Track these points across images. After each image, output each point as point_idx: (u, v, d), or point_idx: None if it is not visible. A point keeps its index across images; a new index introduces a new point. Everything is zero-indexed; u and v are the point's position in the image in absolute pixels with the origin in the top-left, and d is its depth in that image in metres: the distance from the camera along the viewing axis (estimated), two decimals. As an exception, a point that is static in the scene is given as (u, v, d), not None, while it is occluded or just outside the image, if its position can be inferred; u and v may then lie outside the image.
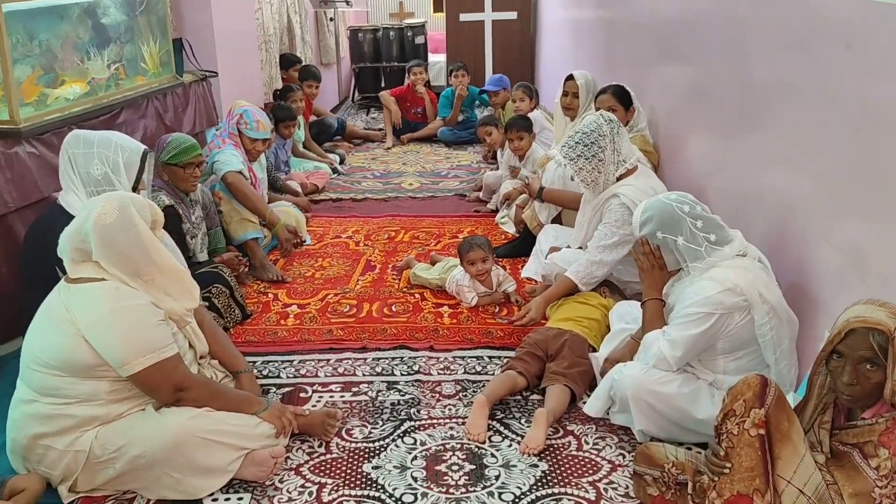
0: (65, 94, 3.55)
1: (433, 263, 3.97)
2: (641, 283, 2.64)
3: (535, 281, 3.82)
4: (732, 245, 2.47)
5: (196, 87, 4.78)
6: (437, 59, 9.85)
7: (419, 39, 9.24)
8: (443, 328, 3.34)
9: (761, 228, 2.80)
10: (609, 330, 3.06)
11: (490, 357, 3.10)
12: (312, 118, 7.22)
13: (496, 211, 4.97)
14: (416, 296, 3.68)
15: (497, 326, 3.34)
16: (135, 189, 2.83)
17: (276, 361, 3.08)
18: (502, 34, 8.45)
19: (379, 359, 3.09)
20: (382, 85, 9.32)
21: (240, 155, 4.03)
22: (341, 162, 6.46)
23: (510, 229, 4.60)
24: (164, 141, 3.45)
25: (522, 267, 4.01)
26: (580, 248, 3.49)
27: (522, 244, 4.22)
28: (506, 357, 3.07)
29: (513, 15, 8.36)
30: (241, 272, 3.80)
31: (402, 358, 3.09)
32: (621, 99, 3.82)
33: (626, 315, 3.00)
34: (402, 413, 2.70)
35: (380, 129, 7.59)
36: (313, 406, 2.76)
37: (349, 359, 3.10)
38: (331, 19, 8.62)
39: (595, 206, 3.34)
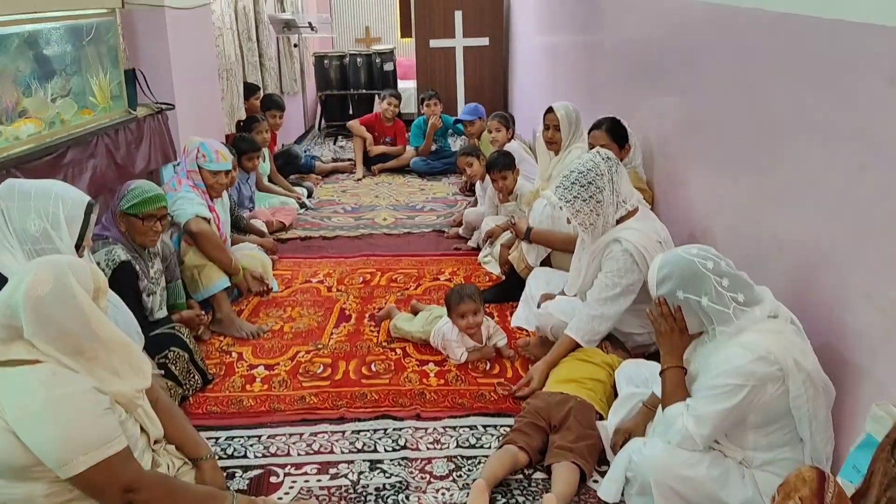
0: (16, 133, 3.18)
1: (415, 312, 3.64)
2: (660, 347, 2.34)
3: (527, 331, 3.51)
4: (763, 306, 2.19)
5: (151, 122, 4.41)
6: (407, 85, 9.56)
7: (388, 66, 8.94)
8: (429, 391, 3.00)
9: (781, 280, 2.50)
10: (615, 392, 2.77)
11: (485, 426, 2.76)
12: (278, 149, 6.89)
13: (478, 249, 4.66)
14: (398, 351, 3.34)
15: (490, 388, 3.01)
16: (78, 247, 2.46)
17: (242, 437, 2.71)
18: (474, 61, 8.19)
19: (359, 431, 2.74)
20: (350, 113, 9.01)
21: (199, 196, 3.67)
22: (309, 195, 6.11)
23: (494, 269, 4.29)
24: (126, 188, 3.09)
25: (511, 314, 3.70)
26: (576, 296, 3.21)
27: (509, 287, 3.91)
28: (502, 425, 2.75)
29: (484, 41, 8.11)
30: (202, 331, 3.44)
31: (386, 430, 2.74)
32: (615, 135, 3.54)
33: (635, 377, 2.69)
34: (390, 500, 2.35)
35: (349, 160, 7.27)
36: (286, 494, 2.40)
37: (325, 432, 2.74)
38: (294, 45, 8.29)
39: (593, 252, 3.04)
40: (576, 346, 2.97)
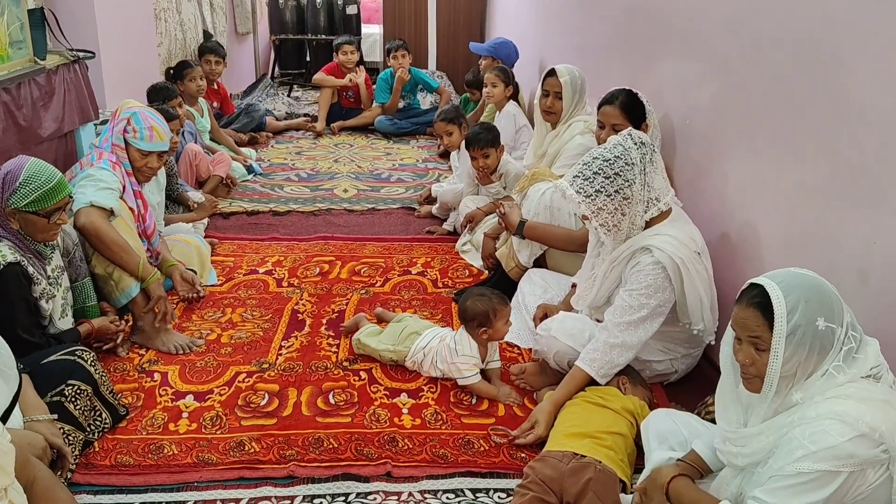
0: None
1: (380, 321, 3.01)
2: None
3: (518, 349, 2.91)
4: (865, 359, 1.63)
5: (65, 73, 3.63)
6: (372, 30, 8.75)
7: (351, 9, 8.10)
8: (402, 435, 2.38)
9: (861, 312, 1.89)
10: (636, 445, 2.20)
11: (474, 491, 2.16)
12: (241, 104, 6.11)
13: (455, 233, 4.02)
14: (362, 375, 2.70)
15: (478, 433, 2.40)
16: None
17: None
18: (449, 6, 7.39)
19: (313, 497, 2.12)
20: (308, 60, 8.19)
21: (116, 176, 2.93)
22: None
23: (475, 261, 3.66)
24: (14, 178, 2.36)
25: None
26: (587, 311, 2.62)
27: (496, 288, 3.24)
28: (496, 490, 2.16)
29: (461, -18, 7.34)
30: (117, 343, 2.77)
31: (348, 496, 2.12)
32: (631, 113, 2.88)
33: (668, 436, 2.09)
34: None
35: (305, 115, 6.51)
36: None
37: (269, 498, 2.11)
38: (246, -19, 7.43)
39: (614, 260, 2.44)
40: (590, 382, 2.38)
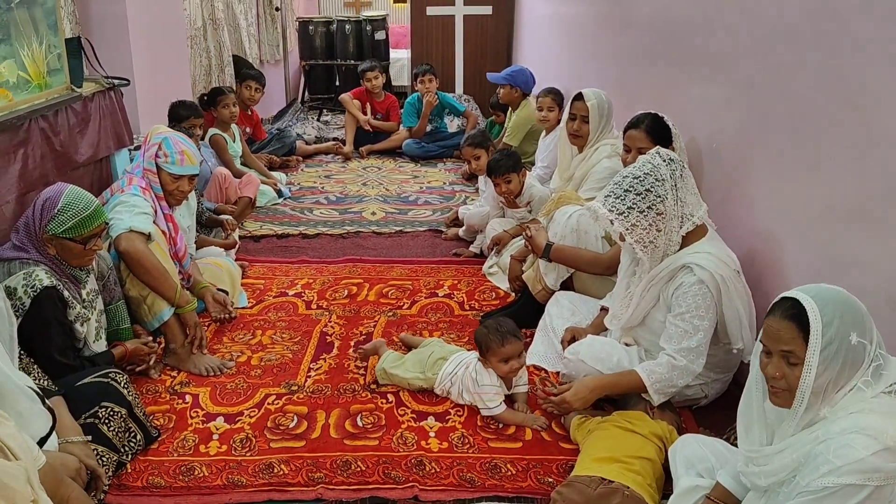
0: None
1: (407, 347, 3.02)
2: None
3: (546, 371, 2.91)
4: (889, 375, 1.62)
5: (100, 100, 3.72)
6: (400, 55, 8.84)
7: (380, 35, 8.19)
8: (429, 458, 2.39)
9: (891, 339, 1.88)
10: (664, 470, 2.18)
11: (501, 515, 2.17)
12: (273, 129, 6.22)
13: (482, 255, 4.03)
14: (390, 398, 2.72)
15: (506, 457, 2.40)
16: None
17: (191, 527, 2.11)
18: (476, 32, 7.45)
19: (341, 520, 2.14)
20: (337, 84, 8.29)
21: (148, 201, 2.99)
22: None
23: (502, 283, 3.67)
24: (52, 205, 2.43)
25: (524, 346, 3.07)
26: (625, 336, 2.62)
27: (523, 310, 3.28)
28: (523, 514, 2.16)
29: (487, 9, 7.37)
30: (150, 366, 2.81)
31: (376, 519, 2.14)
32: (657, 136, 2.89)
33: (696, 461, 2.09)
34: None
35: (334, 140, 6.59)
36: None
37: (298, 520, 2.14)
38: (276, 9, 7.55)
39: (653, 279, 2.43)
40: (641, 389, 2.38)
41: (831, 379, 1.58)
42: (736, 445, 2.12)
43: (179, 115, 4.33)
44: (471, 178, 5.45)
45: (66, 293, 2.46)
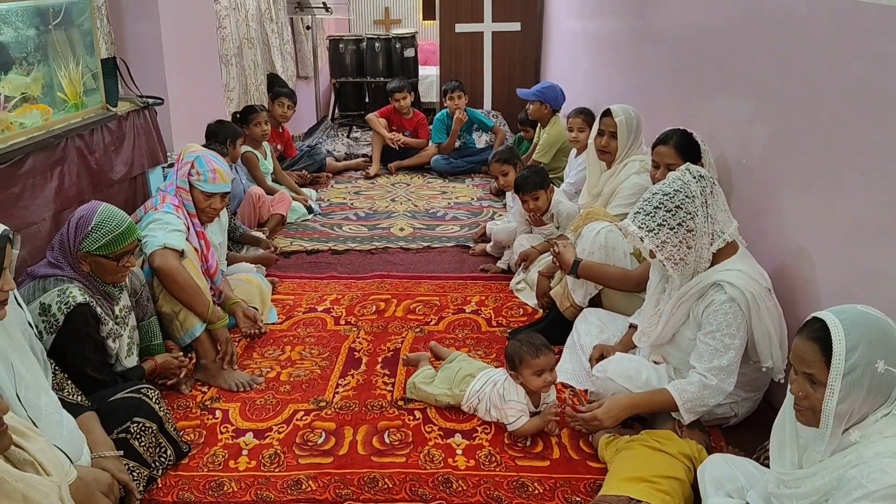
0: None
1: (434, 356, 3.03)
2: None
3: (573, 389, 2.89)
4: None
5: (135, 119, 3.80)
6: (428, 72, 8.90)
7: (409, 52, 8.24)
8: (457, 476, 2.38)
9: None
10: (693, 490, 2.16)
11: (528, 535, 2.16)
12: (303, 146, 6.29)
13: (509, 271, 4.03)
14: (417, 415, 2.73)
15: (533, 475, 2.39)
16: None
17: (219, 542, 2.12)
18: (504, 48, 7.46)
19: (368, 537, 2.14)
20: (367, 101, 8.36)
21: (181, 218, 3.04)
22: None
23: (529, 300, 3.66)
24: (86, 222, 2.48)
25: (552, 363, 3.07)
26: (654, 353, 2.61)
27: (551, 327, 3.26)
28: (550, 534, 2.14)
29: (516, 26, 7.38)
30: (180, 380, 2.85)
31: (402, 538, 2.14)
32: (686, 152, 2.88)
33: (725, 482, 2.06)
34: None
35: (363, 156, 6.64)
36: None
37: (325, 537, 2.14)
38: (307, 28, 7.64)
39: (683, 296, 2.42)
40: (672, 408, 2.36)
41: (855, 405, 1.56)
42: (766, 465, 2.10)
43: (226, 134, 4.39)
44: (499, 193, 5.45)
45: (98, 310, 2.50)
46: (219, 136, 4.32)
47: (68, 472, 1.68)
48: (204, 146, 3.51)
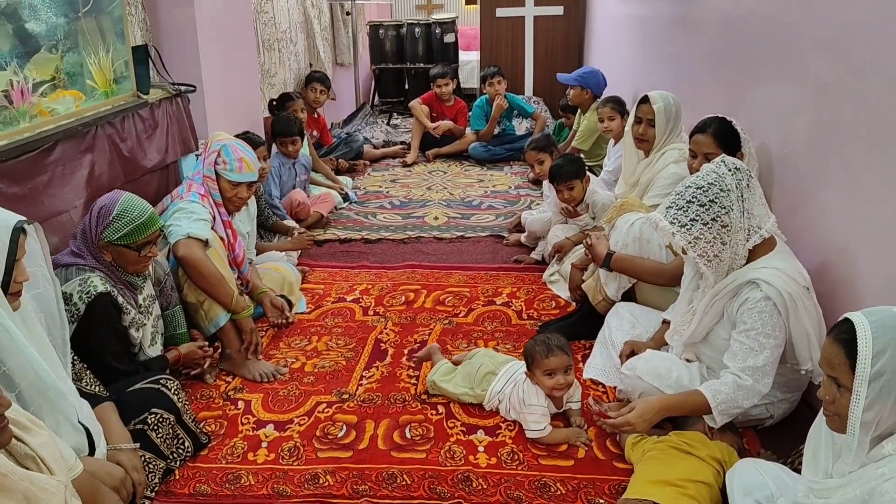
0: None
1: (456, 362, 2.95)
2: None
3: (603, 386, 2.80)
4: None
5: (167, 106, 3.79)
6: (469, 57, 8.79)
7: (449, 38, 8.14)
8: (477, 474, 2.32)
9: None
10: (722, 494, 2.06)
11: (548, 538, 2.08)
12: (341, 133, 6.27)
13: (543, 263, 3.94)
14: (440, 409, 2.67)
15: (556, 475, 2.32)
16: (6, 283, 1.83)
17: (234, 537, 2.10)
18: (546, 33, 7.33)
19: (383, 535, 2.09)
20: (406, 88, 8.30)
21: (206, 207, 3.02)
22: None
23: (563, 292, 3.56)
24: (108, 211, 2.47)
25: (582, 357, 2.98)
26: (687, 352, 2.50)
27: (582, 321, 3.18)
28: (571, 538, 2.07)
29: (559, 10, 7.24)
30: (205, 370, 2.83)
31: (418, 537, 2.09)
32: (725, 141, 2.75)
33: (754, 488, 1.96)
34: None
35: (401, 143, 6.58)
36: None
37: (340, 534, 2.10)
38: (347, 13, 7.60)
39: (717, 294, 2.30)
40: (705, 410, 2.24)
41: (883, 414, 1.45)
42: (799, 470, 1.99)
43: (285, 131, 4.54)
44: (537, 182, 5.35)
45: (120, 299, 2.49)
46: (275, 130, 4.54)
47: (73, 467, 1.66)
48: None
